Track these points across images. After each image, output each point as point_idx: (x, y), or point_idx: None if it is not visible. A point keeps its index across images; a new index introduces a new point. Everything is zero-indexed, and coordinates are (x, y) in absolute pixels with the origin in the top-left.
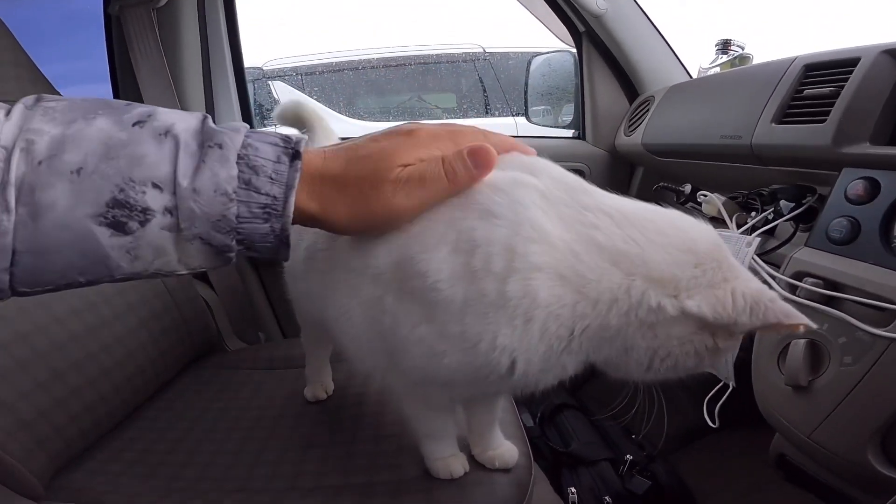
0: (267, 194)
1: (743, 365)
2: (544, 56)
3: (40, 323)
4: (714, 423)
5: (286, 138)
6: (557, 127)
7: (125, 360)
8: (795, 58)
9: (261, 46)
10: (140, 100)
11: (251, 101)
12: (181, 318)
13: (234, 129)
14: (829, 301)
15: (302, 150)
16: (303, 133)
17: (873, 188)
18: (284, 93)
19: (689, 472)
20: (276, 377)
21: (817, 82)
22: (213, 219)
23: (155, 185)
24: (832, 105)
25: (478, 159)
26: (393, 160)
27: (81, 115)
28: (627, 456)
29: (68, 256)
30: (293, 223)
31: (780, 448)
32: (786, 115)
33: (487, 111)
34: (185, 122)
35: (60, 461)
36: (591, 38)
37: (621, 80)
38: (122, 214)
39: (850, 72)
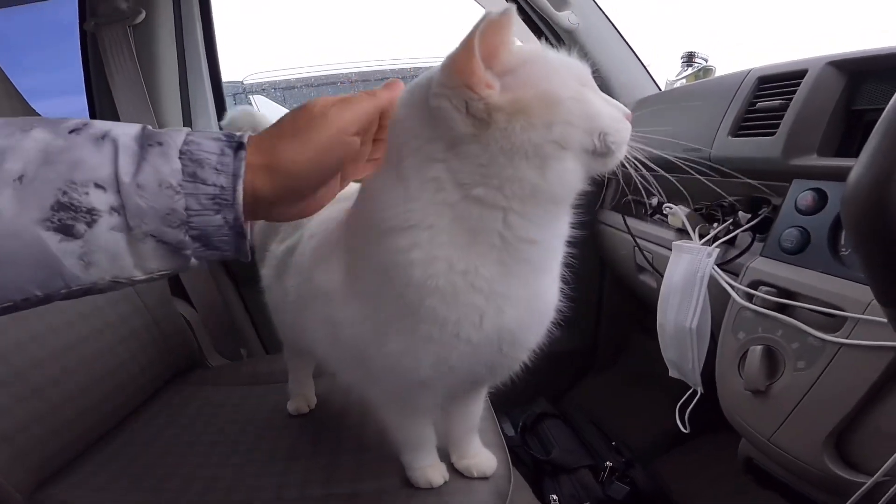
0: (214, 184)
1: (711, 371)
2: None
3: (19, 340)
4: (685, 429)
5: (229, 134)
6: None
7: (105, 377)
8: (750, 70)
9: (241, 60)
10: (116, 116)
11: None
12: (160, 334)
13: (175, 130)
14: (782, 308)
15: (245, 141)
16: None
17: (821, 199)
18: (265, 107)
19: (667, 477)
20: (259, 392)
21: (769, 95)
22: (161, 213)
23: (97, 186)
24: (782, 117)
25: (389, 83)
26: (317, 102)
27: (19, 129)
28: (607, 463)
29: (21, 268)
30: (249, 210)
31: (746, 452)
32: (741, 127)
33: None
34: (122, 128)
35: (42, 474)
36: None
37: None
38: (67, 217)
39: (799, 83)
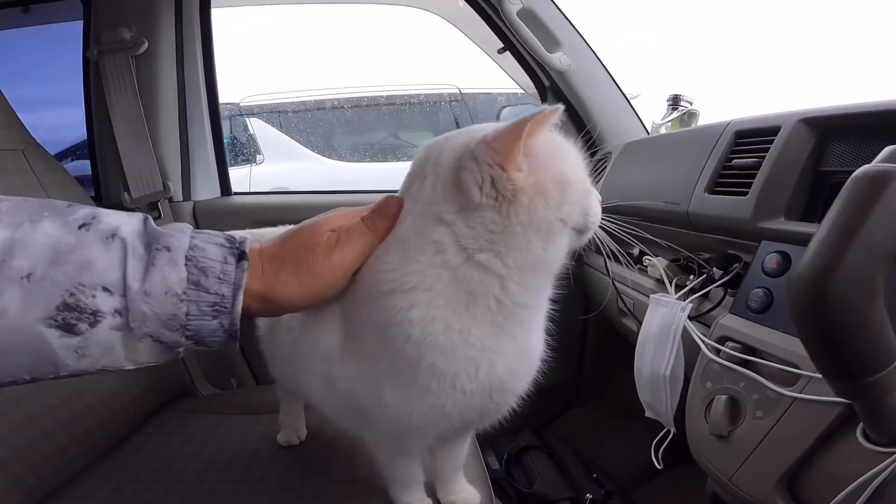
0: (216, 293)
1: (683, 413)
2: (513, 108)
3: None
4: (660, 465)
5: (230, 238)
6: None
7: (97, 406)
8: (729, 123)
9: (238, 81)
10: (114, 143)
11: (225, 141)
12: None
13: (179, 231)
14: (746, 363)
15: (247, 249)
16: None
17: (786, 262)
18: (260, 129)
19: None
20: (249, 422)
21: (745, 151)
22: (163, 318)
23: (105, 289)
24: (755, 176)
25: (386, 209)
26: (321, 228)
27: (28, 217)
28: (587, 495)
29: (18, 357)
30: (245, 317)
31: (712, 488)
32: (717, 184)
33: None
34: (129, 224)
35: (36, 498)
36: (554, 92)
37: (583, 134)
38: (72, 317)
39: (773, 140)
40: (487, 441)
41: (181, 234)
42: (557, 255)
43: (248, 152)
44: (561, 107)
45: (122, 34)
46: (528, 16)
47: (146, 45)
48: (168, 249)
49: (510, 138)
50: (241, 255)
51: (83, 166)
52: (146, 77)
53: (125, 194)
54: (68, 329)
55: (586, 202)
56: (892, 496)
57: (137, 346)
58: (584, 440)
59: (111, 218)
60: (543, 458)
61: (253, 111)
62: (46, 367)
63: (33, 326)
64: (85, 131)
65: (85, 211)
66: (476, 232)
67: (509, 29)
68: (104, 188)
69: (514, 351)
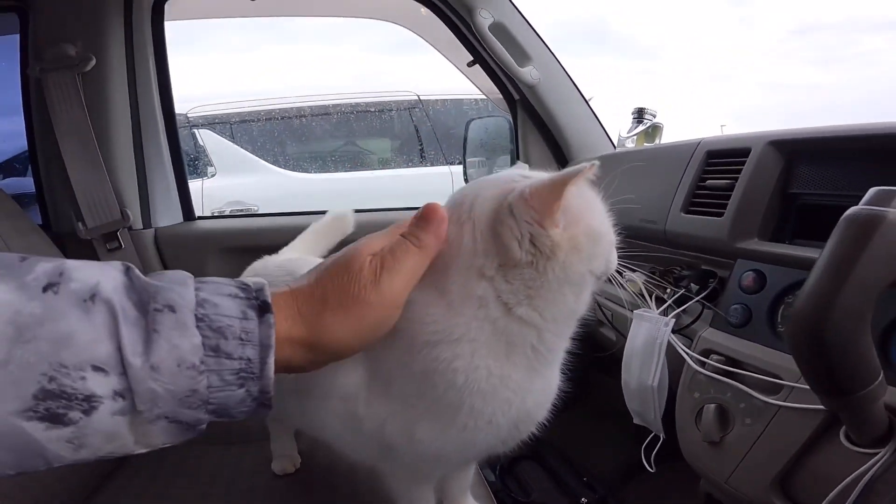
0: (240, 358)
1: (670, 418)
2: (481, 120)
3: None
4: (651, 468)
5: (244, 286)
6: None
7: None
8: (699, 142)
9: (185, 93)
10: (61, 163)
11: (188, 155)
12: None
13: (179, 283)
14: (730, 374)
15: (269, 299)
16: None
17: (761, 279)
18: (211, 141)
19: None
20: (236, 452)
21: (717, 171)
22: (179, 395)
23: (97, 369)
24: (729, 197)
25: (430, 220)
26: (360, 254)
27: None
28: (583, 500)
29: None
30: (286, 371)
31: (706, 489)
32: (692, 203)
33: (423, 159)
34: (109, 277)
35: None
36: (524, 105)
37: (552, 146)
38: (57, 406)
39: (744, 162)
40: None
41: (182, 288)
42: (585, 303)
43: (198, 166)
44: (597, 163)
45: (66, 50)
46: (499, 30)
47: (94, 61)
48: (172, 310)
49: (549, 195)
50: (262, 307)
51: (19, 183)
52: (95, 95)
53: (79, 224)
54: (55, 420)
55: (610, 252)
56: (880, 492)
57: (149, 429)
58: (571, 445)
59: (83, 273)
60: (535, 466)
61: (202, 122)
62: (34, 460)
63: (7, 421)
64: (13, 144)
65: (46, 266)
66: (515, 287)
67: (480, 42)
68: (53, 217)
69: (542, 387)
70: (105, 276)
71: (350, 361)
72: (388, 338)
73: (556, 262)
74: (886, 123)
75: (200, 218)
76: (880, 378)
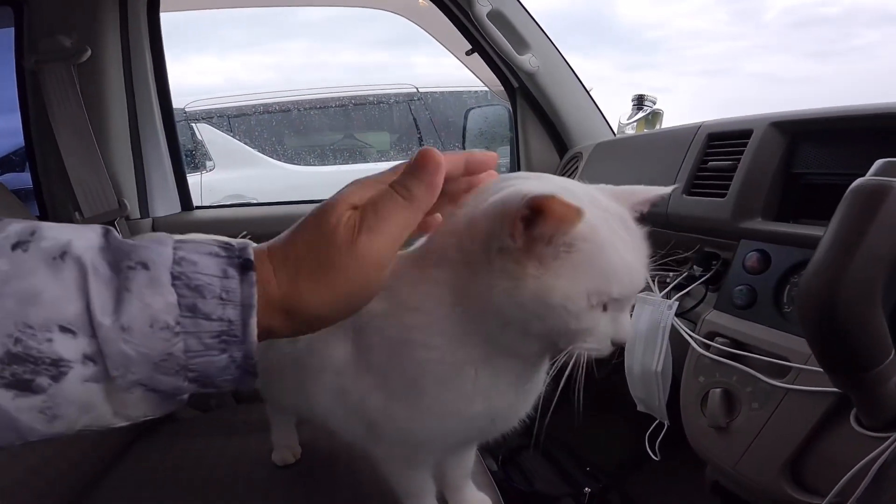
0: (220, 319)
1: (674, 405)
2: (481, 109)
3: None
4: (656, 457)
5: (226, 245)
6: None
7: (76, 439)
8: (700, 125)
9: (183, 88)
10: (58, 157)
11: (181, 148)
12: None
13: (157, 241)
14: (736, 357)
15: (251, 257)
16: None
17: (766, 260)
18: (209, 135)
19: (641, 499)
20: (237, 443)
21: (719, 153)
22: (154, 359)
23: (64, 329)
24: (731, 178)
25: (425, 167)
26: (336, 207)
27: None
28: (586, 489)
29: None
30: (266, 337)
31: (713, 476)
32: (694, 186)
33: None
34: (83, 238)
35: None
36: (524, 93)
37: (552, 134)
38: (24, 371)
39: (746, 143)
40: (482, 445)
41: (160, 246)
42: (527, 335)
43: (197, 160)
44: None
45: (61, 42)
46: (498, 18)
47: (89, 52)
48: (145, 267)
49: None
50: (244, 265)
51: (16, 179)
52: (91, 87)
53: (76, 214)
54: (22, 387)
55: (566, 322)
56: (892, 478)
57: (126, 398)
58: (571, 434)
59: (56, 232)
60: (537, 456)
61: (199, 116)
62: (5, 433)
63: None
64: (10, 141)
65: (18, 226)
66: (466, 279)
67: (478, 31)
68: (50, 207)
69: (511, 387)
70: (79, 235)
71: (343, 333)
72: (371, 303)
73: (506, 283)
74: (887, 103)
75: (198, 208)
76: (892, 356)
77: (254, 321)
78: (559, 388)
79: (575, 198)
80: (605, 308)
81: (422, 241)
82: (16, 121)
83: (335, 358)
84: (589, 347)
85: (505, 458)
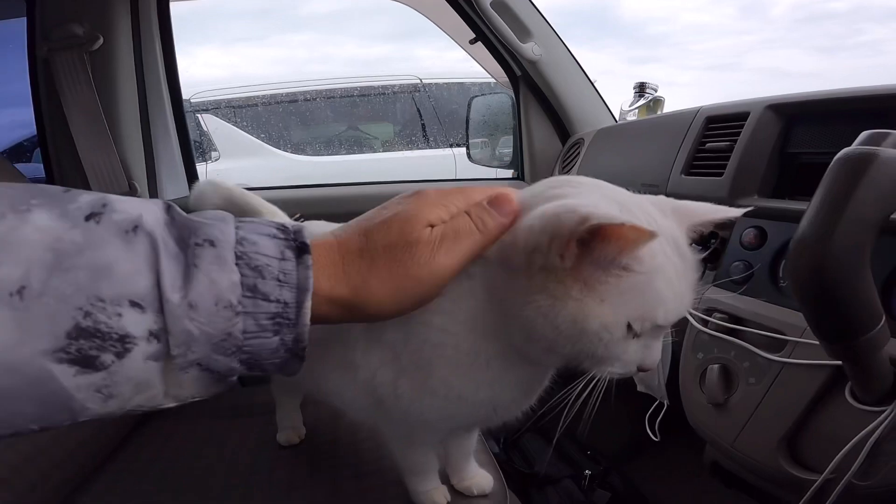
0: (277, 300)
1: (674, 384)
2: (484, 97)
3: None
4: (656, 437)
5: (282, 227)
6: (496, 165)
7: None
8: (699, 109)
9: (189, 80)
10: (71, 144)
11: (191, 137)
12: None
13: (219, 219)
14: (734, 332)
15: (308, 241)
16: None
17: (762, 236)
18: (214, 126)
19: (641, 481)
20: (241, 425)
21: (717, 135)
22: (215, 339)
23: (134, 304)
24: (728, 158)
25: (502, 206)
26: (418, 221)
27: (10, 207)
28: (587, 471)
29: (16, 404)
30: (315, 323)
31: (712, 456)
32: (692, 166)
33: (427, 142)
34: (152, 212)
35: None
36: (526, 81)
37: (554, 121)
38: (90, 346)
39: (742, 125)
40: (484, 429)
41: (223, 224)
42: (552, 350)
43: (203, 150)
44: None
45: (73, 30)
46: (501, 6)
47: (101, 40)
48: (212, 244)
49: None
50: (301, 248)
51: (24, 169)
52: (103, 73)
53: None
54: (86, 364)
55: (596, 348)
56: (887, 452)
57: (181, 378)
58: (573, 421)
59: (127, 205)
60: (538, 440)
61: (205, 107)
62: (59, 414)
63: (35, 363)
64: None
65: (89, 197)
66: (499, 284)
67: (482, 19)
68: None
69: (518, 381)
70: (147, 210)
71: None
72: None
73: (544, 300)
74: (879, 86)
75: None
76: (882, 323)
77: (308, 304)
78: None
79: (636, 219)
80: (639, 335)
81: None
82: (22, 114)
83: (346, 329)
84: (613, 371)
85: (507, 442)
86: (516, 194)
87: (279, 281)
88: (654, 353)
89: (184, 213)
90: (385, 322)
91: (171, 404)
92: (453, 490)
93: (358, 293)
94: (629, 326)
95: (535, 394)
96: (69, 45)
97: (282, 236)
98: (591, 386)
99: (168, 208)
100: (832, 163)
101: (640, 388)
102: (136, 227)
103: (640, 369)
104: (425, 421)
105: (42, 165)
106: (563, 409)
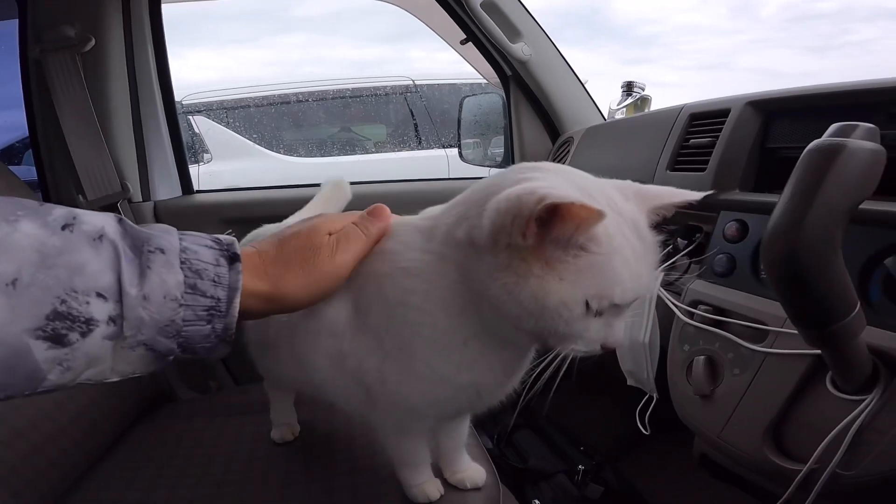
0: (212, 297)
1: (663, 380)
2: (475, 97)
3: None
4: (646, 431)
5: (217, 240)
6: (488, 164)
7: (79, 417)
8: (683, 106)
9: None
10: (63, 145)
11: (183, 139)
12: None
13: (165, 231)
14: (718, 324)
15: (238, 251)
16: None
17: (744, 229)
18: (206, 127)
19: (634, 475)
20: (236, 423)
21: (700, 131)
22: (161, 324)
23: (99, 295)
24: (710, 154)
25: (378, 215)
26: (320, 230)
27: (2, 217)
28: (580, 466)
29: None
30: (243, 318)
31: (700, 448)
32: (677, 162)
33: (419, 143)
34: (111, 224)
35: None
36: (517, 80)
37: (544, 120)
38: (63, 326)
39: (724, 122)
40: (477, 423)
41: (169, 236)
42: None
43: (194, 152)
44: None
45: (65, 31)
46: (491, 7)
47: (93, 41)
48: (162, 251)
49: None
50: (233, 258)
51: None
52: (95, 75)
53: (79, 197)
54: (57, 340)
55: (556, 324)
56: (869, 442)
57: (128, 355)
58: (564, 417)
59: (92, 218)
60: (531, 435)
61: (196, 109)
62: (24, 383)
63: (19, 339)
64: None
65: (61, 211)
66: (467, 262)
67: (472, 20)
68: (53, 190)
69: (499, 364)
70: (107, 222)
71: (341, 298)
72: (374, 262)
73: (508, 278)
74: (853, 81)
75: (199, 192)
76: (857, 310)
77: (237, 301)
78: (549, 371)
79: (593, 200)
80: (600, 313)
81: (433, 211)
82: (13, 116)
83: (335, 319)
84: (577, 349)
85: (500, 438)
86: (486, 179)
87: (214, 281)
88: (616, 332)
89: (134, 225)
90: (370, 305)
91: (115, 378)
92: (447, 484)
93: (277, 287)
94: (588, 305)
95: (516, 377)
96: (61, 47)
97: (217, 247)
98: (555, 362)
99: (120, 220)
100: (803, 154)
101: (630, 382)
102: (101, 236)
103: (604, 348)
104: (412, 407)
105: (34, 167)
106: (546, 393)
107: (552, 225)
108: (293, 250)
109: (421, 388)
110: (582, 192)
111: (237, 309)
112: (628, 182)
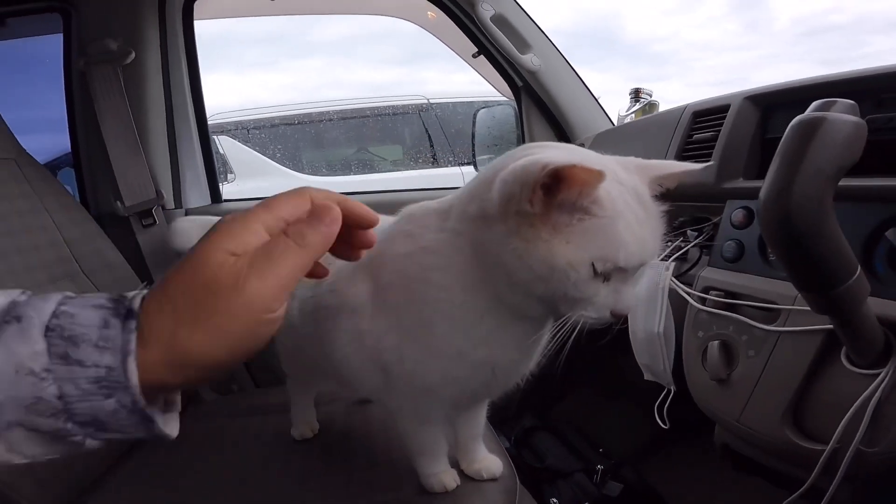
0: (96, 365)
1: (680, 373)
2: (489, 109)
3: None
4: (665, 425)
5: (119, 298)
6: None
7: None
8: (686, 106)
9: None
10: (105, 155)
11: (214, 156)
12: None
13: (43, 299)
14: (730, 308)
15: (136, 306)
16: None
17: (750, 215)
18: (230, 147)
19: (652, 474)
20: (257, 423)
21: (703, 127)
22: (24, 402)
23: None
24: (713, 147)
25: (322, 217)
26: (212, 255)
27: None
28: (598, 466)
29: None
30: (163, 391)
31: (722, 438)
32: (682, 157)
33: (435, 161)
34: None
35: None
36: (528, 91)
37: (555, 128)
38: None
39: (724, 117)
40: (495, 425)
41: (44, 302)
42: (527, 290)
43: (218, 171)
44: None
45: (108, 45)
46: (500, 21)
47: (133, 55)
48: (18, 320)
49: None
50: (127, 314)
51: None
52: (134, 86)
53: (118, 203)
54: None
55: (564, 287)
56: (889, 415)
57: (10, 437)
58: (583, 420)
59: None
60: (550, 437)
61: (221, 129)
62: None
63: None
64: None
65: None
66: (479, 234)
67: (483, 33)
68: (92, 198)
69: (513, 341)
70: None
71: (364, 274)
72: (396, 244)
73: (518, 243)
74: (844, 72)
75: (227, 200)
76: (857, 273)
77: (132, 366)
78: (560, 365)
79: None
80: (608, 278)
81: (448, 196)
82: (42, 140)
83: (355, 297)
84: (588, 316)
85: (518, 439)
86: (495, 160)
87: (98, 346)
88: (625, 298)
89: (28, 299)
90: (390, 283)
91: (24, 460)
92: (464, 475)
93: (172, 350)
94: (595, 268)
95: (532, 357)
96: (104, 59)
97: (110, 305)
98: (566, 326)
99: (21, 293)
100: (787, 129)
101: (647, 376)
102: None
103: (614, 315)
104: (429, 386)
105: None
106: (571, 404)
107: (557, 190)
108: (180, 293)
109: (438, 365)
110: (583, 159)
111: (135, 376)
112: (630, 157)
